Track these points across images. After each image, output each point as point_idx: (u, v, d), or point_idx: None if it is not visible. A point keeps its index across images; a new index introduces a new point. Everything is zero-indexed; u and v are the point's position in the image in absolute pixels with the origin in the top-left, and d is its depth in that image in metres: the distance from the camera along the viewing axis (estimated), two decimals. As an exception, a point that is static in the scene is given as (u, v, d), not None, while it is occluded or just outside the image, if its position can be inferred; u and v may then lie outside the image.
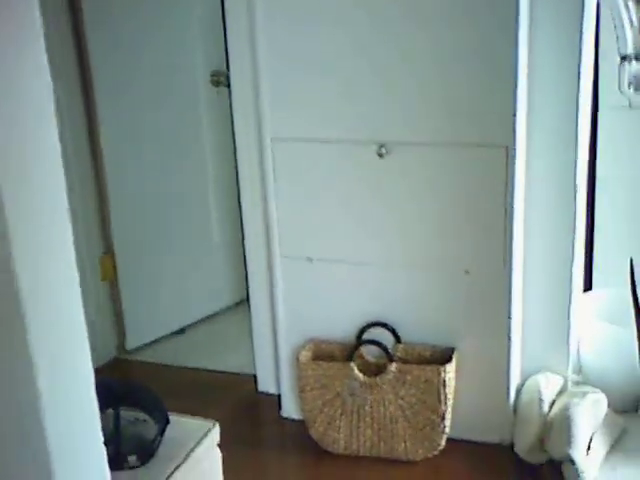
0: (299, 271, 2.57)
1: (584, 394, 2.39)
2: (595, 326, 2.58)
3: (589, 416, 2.31)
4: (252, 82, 2.50)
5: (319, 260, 2.53)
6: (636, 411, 2.58)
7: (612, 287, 2.71)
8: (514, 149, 2.24)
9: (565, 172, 2.34)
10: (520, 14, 2.14)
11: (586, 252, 2.70)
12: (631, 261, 2.36)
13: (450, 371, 2.36)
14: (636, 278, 2.34)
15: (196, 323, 3.51)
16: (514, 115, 2.22)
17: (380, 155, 2.37)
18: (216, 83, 3.40)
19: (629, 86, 2.65)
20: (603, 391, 2.46)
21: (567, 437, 2.24)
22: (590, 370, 2.62)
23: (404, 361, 2.43)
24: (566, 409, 2.31)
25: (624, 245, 2.72)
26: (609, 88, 2.62)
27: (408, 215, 2.41)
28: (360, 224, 2.46)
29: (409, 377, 2.37)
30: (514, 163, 2.26)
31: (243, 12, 2.44)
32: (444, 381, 2.34)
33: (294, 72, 2.42)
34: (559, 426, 2.29)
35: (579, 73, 2.27)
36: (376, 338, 2.48)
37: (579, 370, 2.65)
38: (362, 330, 2.52)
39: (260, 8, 2.38)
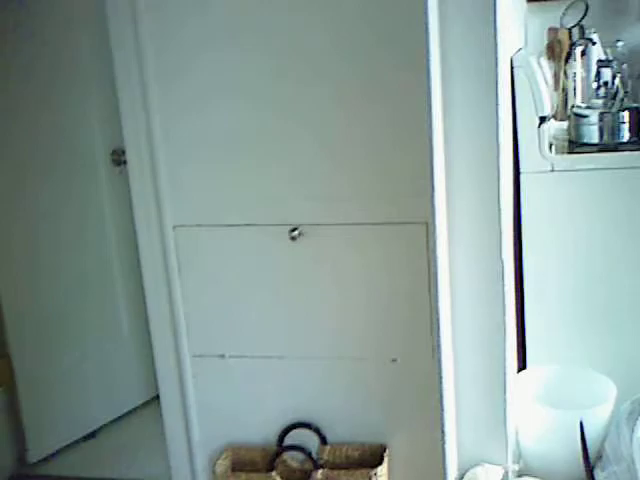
0: (212, 369, 2.36)
1: (528, 486, 2.23)
2: (533, 409, 2.42)
3: (535, 511, 2.15)
4: (150, 163, 2.31)
5: (233, 356, 2.33)
6: (585, 497, 2.43)
7: (547, 365, 2.58)
8: (434, 225, 2.10)
9: (490, 246, 2.20)
10: (433, 86, 2.03)
11: (518, 328, 2.57)
12: (581, 423, 2.23)
13: (382, 474, 2.17)
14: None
15: (108, 425, 3.24)
16: (432, 189, 2.08)
17: (293, 239, 2.20)
18: (117, 162, 3.21)
19: (550, 148, 2.57)
20: (544, 477, 2.30)
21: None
22: (531, 457, 2.46)
23: (331, 465, 2.23)
24: (510, 506, 2.13)
25: (556, 317, 2.60)
26: (529, 153, 2.53)
27: (327, 301, 2.23)
28: (275, 314, 2.27)
29: (339, 484, 2.17)
30: (435, 240, 2.11)
31: (136, 86, 2.25)
32: (376, 485, 2.15)
33: (195, 152, 2.24)
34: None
35: (498, 140, 2.15)
36: (300, 440, 2.28)
37: (519, 458, 2.48)
38: (284, 432, 2.31)
39: (154, 82, 2.21)
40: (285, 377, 2.30)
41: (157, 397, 3.10)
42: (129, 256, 3.21)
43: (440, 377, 2.18)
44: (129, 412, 3.31)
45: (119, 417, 3.28)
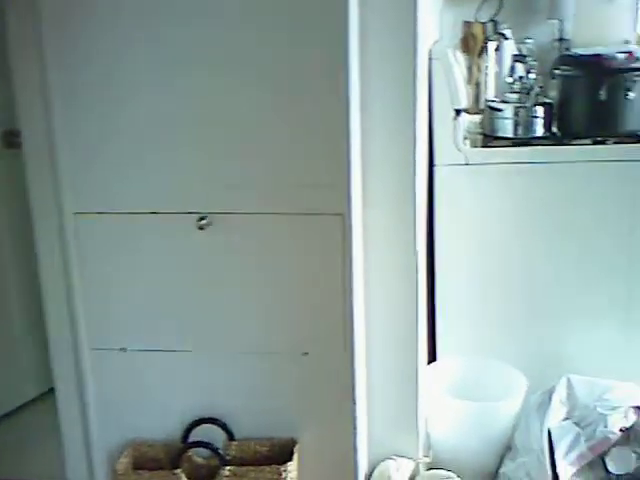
0: (112, 363, 2.26)
1: (438, 478, 2.23)
2: (443, 401, 2.44)
3: (445, 505, 2.15)
4: (47, 146, 2.19)
5: (135, 350, 2.24)
6: (492, 490, 2.46)
7: (457, 357, 2.60)
8: (350, 217, 2.07)
9: (405, 239, 2.19)
10: (351, 77, 1.99)
11: (428, 319, 2.58)
12: (549, 431, 2.24)
13: (292, 469, 2.13)
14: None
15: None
16: (348, 180, 2.05)
17: (201, 228, 2.13)
18: (9, 144, 3.05)
19: (464, 141, 2.58)
20: (456, 471, 2.32)
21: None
22: (441, 449, 2.48)
23: (239, 461, 2.18)
24: (421, 501, 2.13)
25: (466, 309, 2.62)
26: (444, 145, 2.53)
27: (236, 293, 2.18)
28: (180, 307, 2.20)
29: (247, 481, 2.12)
30: (351, 232, 2.08)
31: (33, 60, 2.12)
32: (286, 482, 2.11)
33: (97, 135, 2.13)
34: (415, 522, 2.11)
35: (415, 133, 2.14)
36: (206, 436, 2.22)
37: (429, 450, 2.50)
38: (189, 428, 2.24)
39: (53, 63, 2.10)
40: (191, 371, 2.23)
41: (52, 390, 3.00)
42: (23, 244, 3.06)
43: (352, 370, 2.15)
44: (21, 406, 3.17)
45: (9, 412, 3.13)
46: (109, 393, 2.30)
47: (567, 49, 3.93)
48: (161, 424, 2.26)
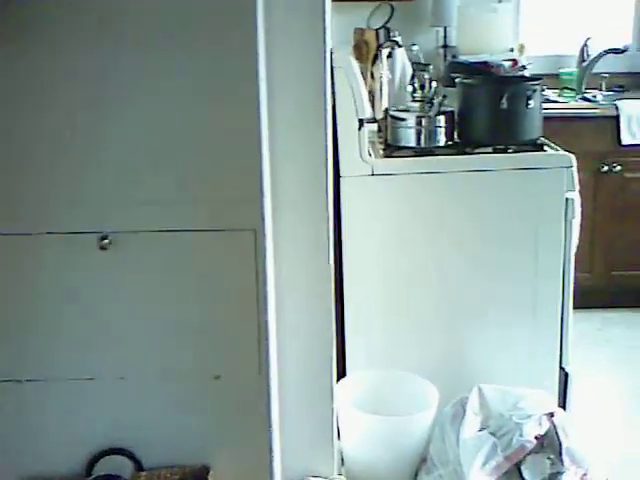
0: (5, 395, 2.12)
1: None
2: (354, 416, 2.41)
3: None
4: None
5: (31, 380, 2.10)
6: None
7: (367, 370, 2.58)
8: (263, 232, 2.01)
9: (318, 252, 2.16)
10: (260, 90, 1.94)
11: (337, 334, 2.55)
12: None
13: (207, 498, 2.05)
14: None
15: None
16: (261, 194, 1.99)
17: (103, 248, 2.02)
18: None
19: (369, 152, 2.57)
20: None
21: None
22: (354, 466, 2.45)
23: (150, 493, 2.08)
24: (342, 523, 2.10)
25: (376, 322, 2.61)
26: (349, 156, 2.51)
27: (142, 316, 2.07)
28: (82, 332, 2.07)
29: (161, 513, 2.02)
30: (264, 248, 2.03)
31: None
32: (202, 512, 2.03)
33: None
34: None
35: (326, 145, 2.11)
36: (113, 467, 2.10)
37: (340, 467, 2.46)
38: (92, 461, 2.12)
39: None
40: (94, 400, 2.11)
41: None
42: None
43: (268, 394, 2.09)
44: None
45: None
46: (2, 427, 2.14)
47: (454, 56, 4.03)
48: (62, 458, 2.13)
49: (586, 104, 3.95)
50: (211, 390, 2.10)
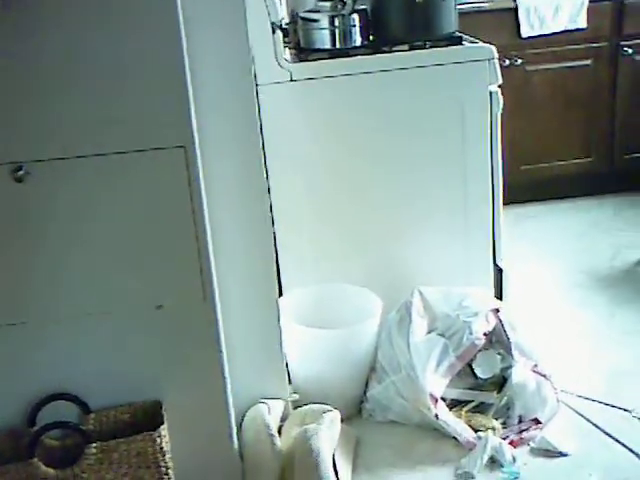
0: None
1: (317, 415, 2.19)
2: (300, 333, 2.39)
3: (329, 440, 2.13)
4: None
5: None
6: (360, 415, 2.48)
7: (304, 287, 2.55)
8: (194, 149, 1.92)
9: (250, 166, 2.09)
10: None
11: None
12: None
13: (165, 433, 2.00)
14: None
15: None
16: (188, 109, 1.89)
17: (18, 180, 1.88)
18: None
19: (292, 57, 2.49)
20: (323, 402, 2.30)
21: (317, 475, 2.03)
22: (303, 383, 2.44)
23: (100, 435, 2.00)
24: (305, 440, 2.09)
25: (307, 235, 2.58)
26: (265, 63, 2.42)
27: (71, 251, 1.95)
28: (5, 274, 1.95)
29: (116, 455, 1.95)
30: (196, 165, 1.93)
31: None
32: (161, 448, 1.97)
33: None
34: (303, 464, 2.06)
35: (248, 50, 2.02)
36: (58, 415, 2.01)
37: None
38: (34, 410, 2.02)
39: None
40: (29, 345, 2.00)
41: None
42: None
43: (215, 319, 2.03)
44: None
45: None
46: None
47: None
48: (1, 411, 2.02)
49: (483, -2, 3.95)
50: (155, 321, 2.02)
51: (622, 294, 3.16)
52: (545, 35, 3.83)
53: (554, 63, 3.90)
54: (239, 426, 2.21)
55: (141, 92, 1.87)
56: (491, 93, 2.50)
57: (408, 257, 2.60)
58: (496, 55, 2.49)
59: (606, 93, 3.98)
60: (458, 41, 2.56)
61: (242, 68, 2.04)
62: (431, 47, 2.55)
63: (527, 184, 3.95)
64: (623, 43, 3.90)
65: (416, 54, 2.52)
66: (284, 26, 2.68)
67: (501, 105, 2.53)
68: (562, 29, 3.83)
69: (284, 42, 2.70)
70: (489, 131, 2.53)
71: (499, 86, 2.52)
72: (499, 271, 2.67)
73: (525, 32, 3.82)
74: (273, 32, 2.41)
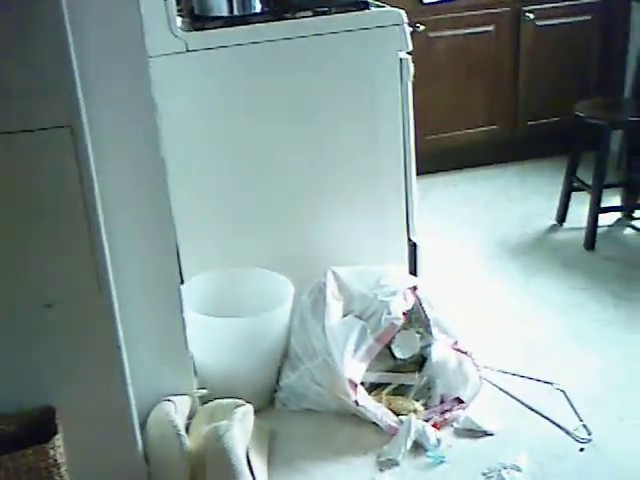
0: None
1: (228, 410, 2.04)
2: (202, 323, 2.21)
3: (242, 436, 1.98)
4: None
5: None
6: (273, 405, 2.33)
7: (207, 272, 2.38)
8: (82, 129, 1.71)
9: (146, 144, 1.90)
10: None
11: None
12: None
13: (59, 444, 1.80)
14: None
15: None
16: (72, 85, 1.68)
17: None
18: None
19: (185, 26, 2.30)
20: (233, 395, 2.14)
21: (229, 474, 1.88)
22: (211, 376, 2.27)
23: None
24: (216, 439, 1.93)
25: (207, 219, 2.40)
26: (157, 33, 2.21)
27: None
28: None
29: (1, 474, 1.75)
30: (85, 147, 1.73)
31: None
32: (55, 461, 1.78)
33: None
34: (216, 463, 1.90)
35: (141, 21, 1.82)
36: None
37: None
38: None
39: None
40: None
41: None
42: None
43: (112, 314, 1.85)
44: None
45: None
46: None
47: None
48: None
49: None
50: (43, 320, 1.82)
51: (534, 263, 3.11)
52: (447, 1, 3.73)
53: (457, 29, 3.81)
54: (143, 427, 2.04)
55: (22, 67, 1.65)
56: (401, 60, 2.37)
57: (319, 236, 2.46)
58: (406, 20, 2.36)
59: (509, 60, 3.93)
60: (364, 6, 2.41)
61: (134, 39, 1.84)
62: (336, 13, 2.39)
63: (432, 154, 3.83)
64: (525, 8, 3.84)
65: (320, 20, 2.37)
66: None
67: (412, 73, 2.40)
68: (465, -6, 3.74)
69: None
70: (400, 101, 2.40)
71: (409, 53, 2.39)
72: (413, 246, 2.56)
73: (427, -3, 3.72)
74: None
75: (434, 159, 3.85)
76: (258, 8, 2.40)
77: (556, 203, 3.43)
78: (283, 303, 2.25)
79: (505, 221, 3.50)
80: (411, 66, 2.39)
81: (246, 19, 2.37)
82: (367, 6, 2.41)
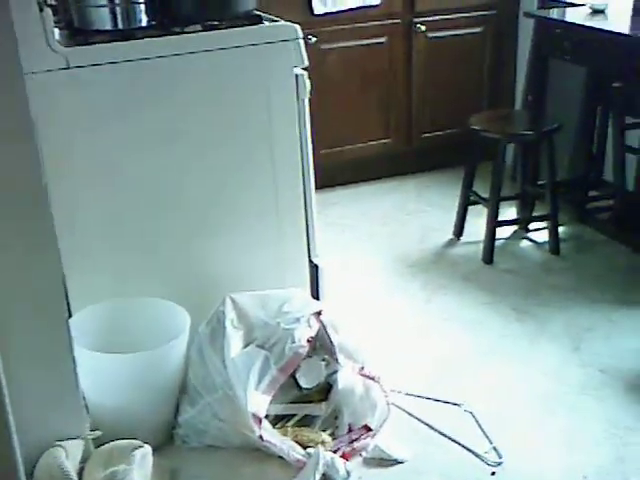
0: None
1: (125, 453, 1.91)
2: (92, 359, 2.07)
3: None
4: None
5: None
6: (172, 442, 2.22)
7: (97, 305, 2.24)
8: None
9: (25, 170, 1.75)
10: None
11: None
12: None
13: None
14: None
15: None
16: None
17: None
18: None
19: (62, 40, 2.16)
20: (128, 435, 2.02)
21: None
22: (103, 415, 2.14)
23: None
24: (113, 488, 1.81)
25: (96, 247, 2.27)
26: (33, 47, 2.06)
27: None
28: None
29: None
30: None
31: None
32: None
33: None
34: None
35: (12, 32, 1.68)
36: None
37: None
38: None
39: None
40: None
41: None
42: None
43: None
44: None
45: None
46: None
47: None
48: None
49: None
50: None
51: (435, 279, 3.10)
52: (339, 12, 3.70)
53: (349, 41, 3.78)
54: (31, 475, 1.89)
55: None
56: (297, 76, 2.30)
57: (216, 261, 2.36)
58: (301, 35, 2.28)
59: (402, 72, 3.93)
60: (258, 20, 2.33)
61: (5, 53, 1.70)
62: (228, 27, 2.29)
63: (327, 169, 3.78)
64: (416, 20, 3.85)
65: (212, 35, 2.27)
66: (51, 2, 2.35)
67: (308, 89, 2.33)
68: (356, 5, 3.71)
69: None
70: (297, 118, 2.33)
71: (305, 69, 2.32)
72: (314, 267, 2.49)
73: (318, 9, 3.67)
74: (40, 10, 2.06)
75: (330, 173, 3.80)
76: (144, 21, 2.29)
77: (453, 216, 3.44)
78: (179, 335, 2.14)
79: (404, 236, 3.48)
80: (307, 82, 2.33)
81: (132, 33, 2.25)
82: (260, 20, 2.33)
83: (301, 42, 2.29)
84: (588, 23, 3.04)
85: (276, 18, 2.38)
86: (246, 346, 2.12)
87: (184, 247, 2.35)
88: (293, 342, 2.07)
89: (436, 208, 3.73)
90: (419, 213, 3.71)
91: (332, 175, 3.86)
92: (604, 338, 2.66)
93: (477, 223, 3.39)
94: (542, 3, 3.78)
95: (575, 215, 3.46)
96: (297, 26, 2.29)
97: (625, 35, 2.90)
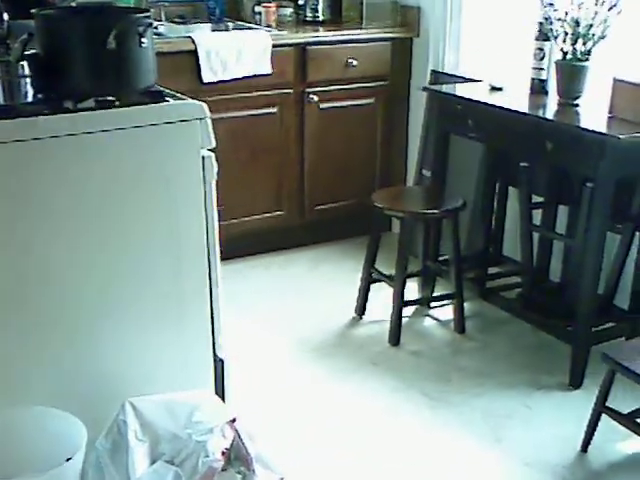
0: None
1: None
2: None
3: None
4: None
5: None
6: None
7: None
8: None
9: None
10: None
11: None
12: None
13: None
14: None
15: None
16: None
17: None
18: None
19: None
20: None
21: None
22: None
23: None
24: None
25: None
26: None
27: None
28: None
29: None
30: None
31: None
32: None
33: None
34: None
35: None
36: None
37: None
38: None
39: None
40: None
41: None
42: None
43: None
44: None
45: None
46: None
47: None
48: None
49: (157, 38, 3.59)
50: None
51: (343, 363, 2.99)
52: (229, 80, 3.58)
53: (239, 111, 3.68)
54: None
55: None
56: (204, 158, 2.14)
57: (111, 360, 2.13)
58: (208, 114, 2.13)
59: (294, 143, 3.85)
60: (159, 96, 2.16)
61: None
62: (126, 105, 2.11)
63: (221, 243, 3.63)
64: (308, 90, 3.78)
65: (108, 114, 2.07)
66: None
67: (215, 171, 2.17)
68: (247, 74, 3.61)
69: None
70: (203, 202, 2.17)
71: (212, 150, 2.17)
72: (221, 363, 2.31)
73: (206, 77, 3.55)
74: None
75: (223, 248, 3.63)
76: (30, 96, 2.08)
77: (351, 291, 3.34)
78: (74, 452, 1.89)
79: (304, 316, 3.34)
80: (215, 164, 2.17)
81: (16, 110, 2.04)
82: (162, 96, 2.17)
83: (209, 121, 2.13)
84: (490, 101, 3.02)
85: (182, 97, 2.21)
86: (153, 462, 1.90)
87: (74, 346, 2.10)
88: (207, 456, 1.87)
89: (334, 283, 3.63)
90: (317, 290, 3.59)
91: (226, 249, 3.68)
92: (524, 426, 2.59)
93: (378, 299, 3.31)
94: (436, 77, 3.78)
95: (476, 292, 3.42)
96: (204, 104, 2.13)
97: (528, 115, 2.89)
